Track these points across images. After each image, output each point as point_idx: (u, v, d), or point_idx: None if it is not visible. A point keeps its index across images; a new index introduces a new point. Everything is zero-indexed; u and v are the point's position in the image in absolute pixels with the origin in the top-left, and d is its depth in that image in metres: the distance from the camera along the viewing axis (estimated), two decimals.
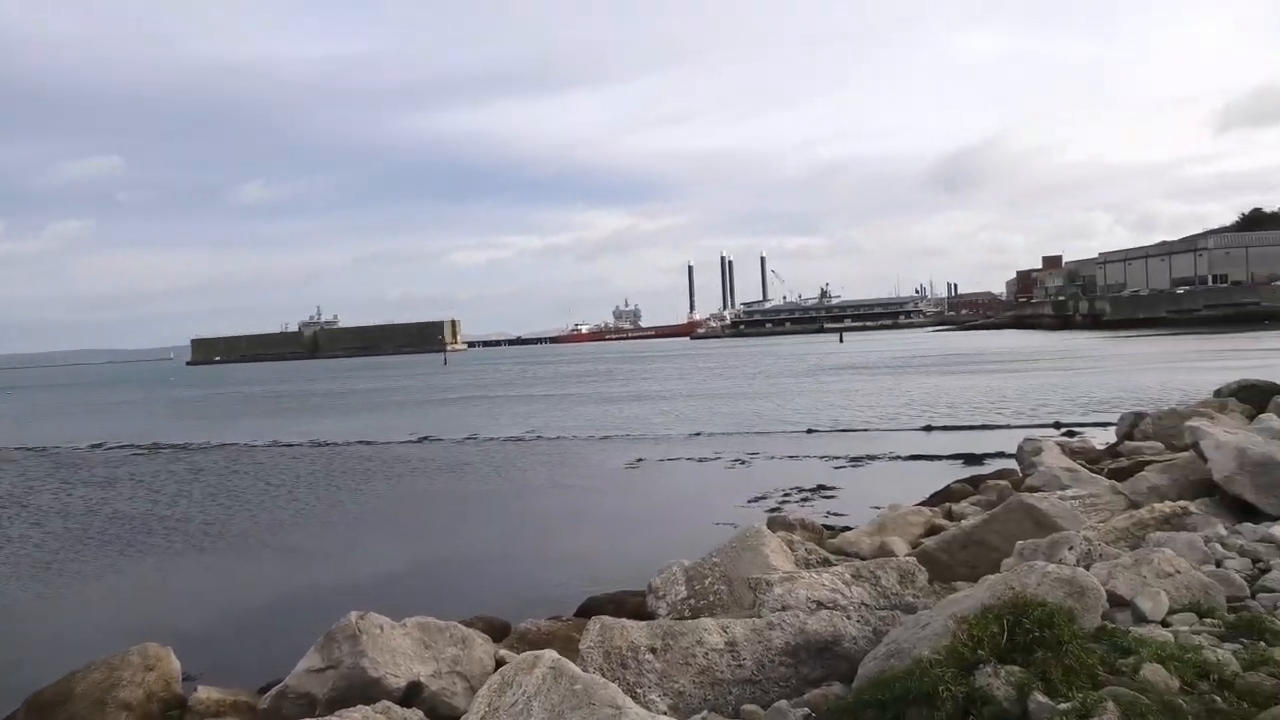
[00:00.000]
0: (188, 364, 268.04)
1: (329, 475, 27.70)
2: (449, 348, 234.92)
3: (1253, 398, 17.08)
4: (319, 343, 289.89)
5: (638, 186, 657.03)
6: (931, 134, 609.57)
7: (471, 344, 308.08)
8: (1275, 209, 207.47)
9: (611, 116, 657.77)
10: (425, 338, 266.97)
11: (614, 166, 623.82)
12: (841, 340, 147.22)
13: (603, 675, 5.48)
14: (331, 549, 17.58)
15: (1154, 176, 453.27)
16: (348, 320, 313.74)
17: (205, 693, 7.64)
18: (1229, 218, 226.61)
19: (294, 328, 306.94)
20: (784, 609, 6.43)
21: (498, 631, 9.18)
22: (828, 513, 17.73)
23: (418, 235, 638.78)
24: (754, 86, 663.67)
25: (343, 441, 36.94)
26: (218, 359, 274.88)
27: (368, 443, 36.32)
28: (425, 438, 37.14)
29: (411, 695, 6.74)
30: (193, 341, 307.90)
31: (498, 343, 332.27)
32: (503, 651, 7.67)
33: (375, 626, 6.84)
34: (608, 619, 5.86)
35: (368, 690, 6.54)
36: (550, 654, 5.24)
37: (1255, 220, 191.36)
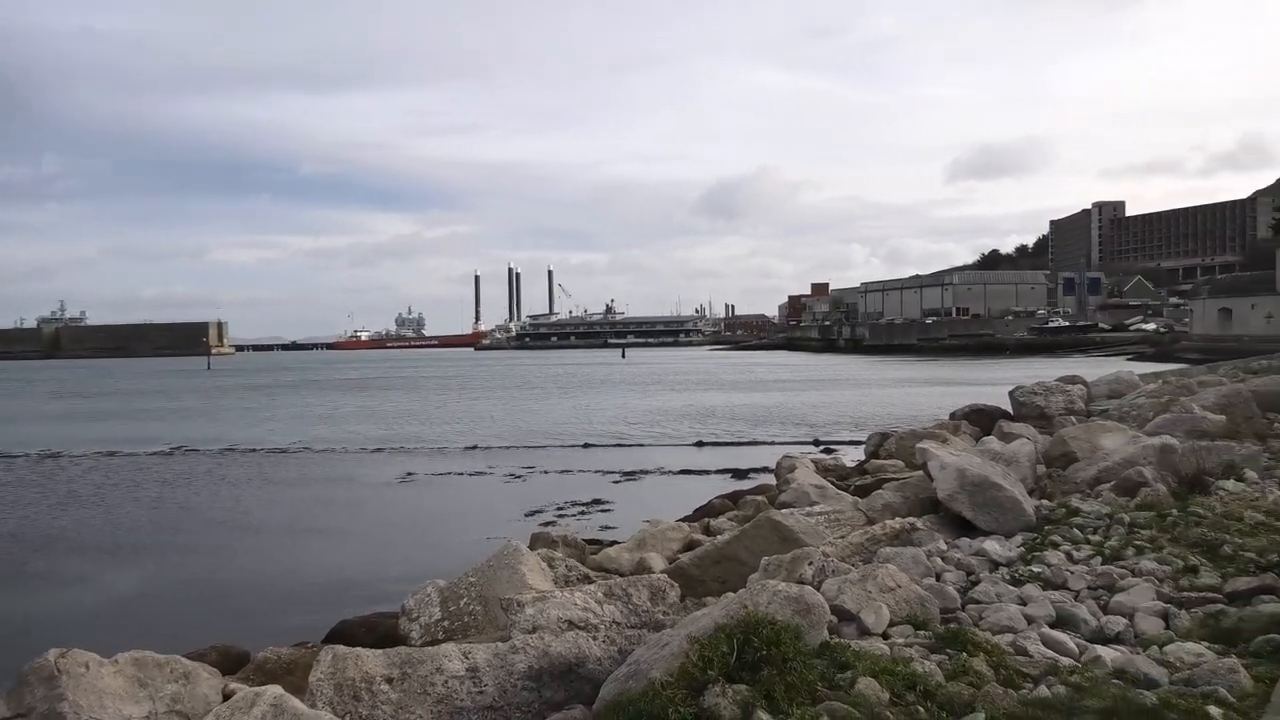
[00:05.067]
0: None
1: (54, 489, 25.04)
2: (214, 351, 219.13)
3: (981, 421, 18.84)
4: (61, 341, 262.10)
5: (421, 193, 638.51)
6: (711, 161, 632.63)
7: (240, 348, 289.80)
8: (1008, 251, 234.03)
9: (395, 120, 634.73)
10: (187, 339, 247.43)
11: (396, 170, 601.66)
12: (624, 356, 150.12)
13: (332, 710, 5.16)
14: (48, 575, 15.74)
15: (904, 215, 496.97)
16: (97, 318, 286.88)
17: None
18: (969, 256, 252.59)
19: (31, 324, 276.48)
20: (535, 630, 6.33)
21: (233, 662, 8.52)
22: (601, 526, 17.90)
23: (177, 229, 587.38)
24: (544, 103, 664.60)
25: (79, 452, 33.53)
26: None
27: (110, 454, 33.20)
28: (179, 448, 34.42)
29: None
30: None
31: (270, 347, 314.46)
32: (233, 685, 7.10)
33: (79, 665, 6.11)
34: (340, 648, 5.53)
35: None
36: (273, 690, 4.88)
37: (992, 261, 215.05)
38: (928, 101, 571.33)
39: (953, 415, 20.47)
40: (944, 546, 8.13)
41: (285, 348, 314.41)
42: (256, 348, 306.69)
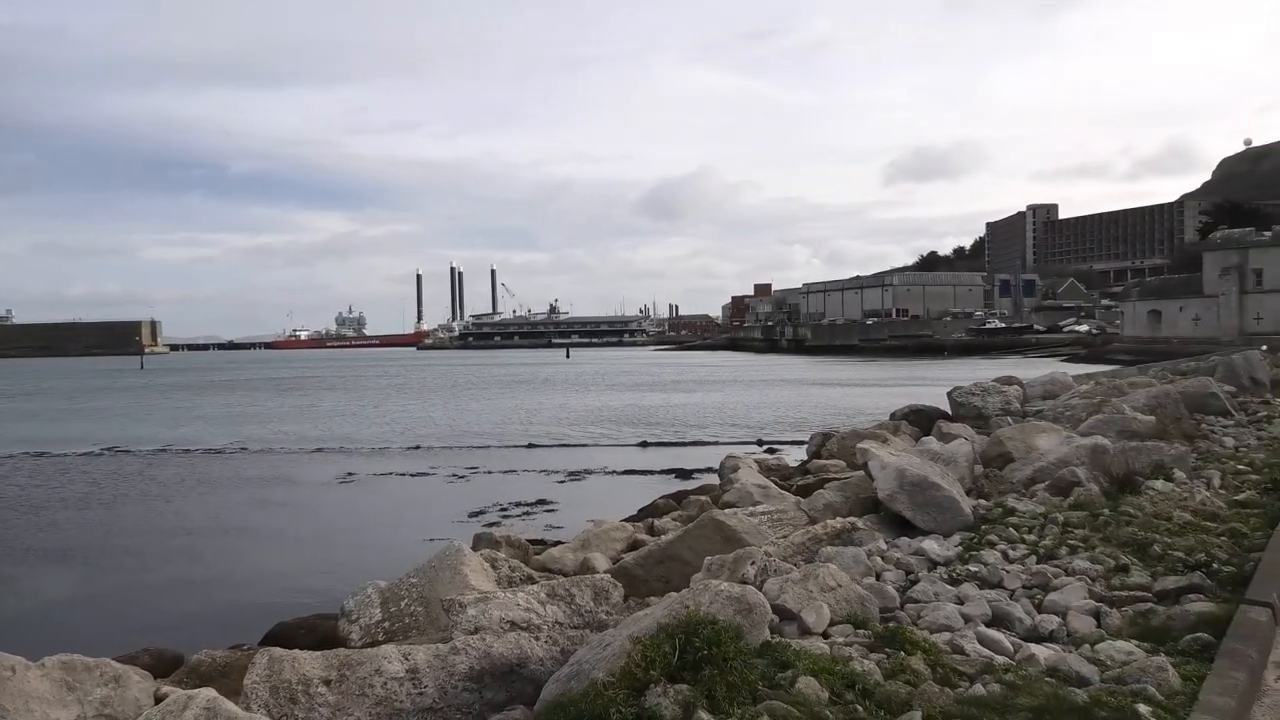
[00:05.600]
0: None
1: None
2: (148, 350, 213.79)
3: (920, 421, 19.11)
4: None
5: (360, 191, 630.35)
6: (653, 161, 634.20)
7: (175, 347, 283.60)
8: (945, 253, 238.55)
9: (334, 117, 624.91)
10: (119, 339, 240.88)
11: (334, 168, 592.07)
12: (568, 356, 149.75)
13: (268, 713, 5.06)
14: None
15: (844, 217, 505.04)
16: (24, 317, 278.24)
17: None
18: (908, 258, 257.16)
19: None
20: (477, 631, 6.28)
21: (166, 665, 8.31)
22: (546, 526, 17.83)
23: (107, 226, 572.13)
24: (486, 101, 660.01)
25: (5, 453, 32.43)
26: None
27: (39, 454, 32.20)
28: (111, 448, 33.53)
29: None
30: None
31: (206, 347, 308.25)
32: (166, 688, 6.93)
33: (4, 669, 5.91)
34: (277, 650, 5.43)
35: None
36: (206, 693, 4.76)
37: (930, 262, 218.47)
38: (866, 104, 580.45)
39: (893, 415, 20.73)
40: (884, 546, 8.23)
41: (222, 347, 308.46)
42: (192, 347, 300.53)
